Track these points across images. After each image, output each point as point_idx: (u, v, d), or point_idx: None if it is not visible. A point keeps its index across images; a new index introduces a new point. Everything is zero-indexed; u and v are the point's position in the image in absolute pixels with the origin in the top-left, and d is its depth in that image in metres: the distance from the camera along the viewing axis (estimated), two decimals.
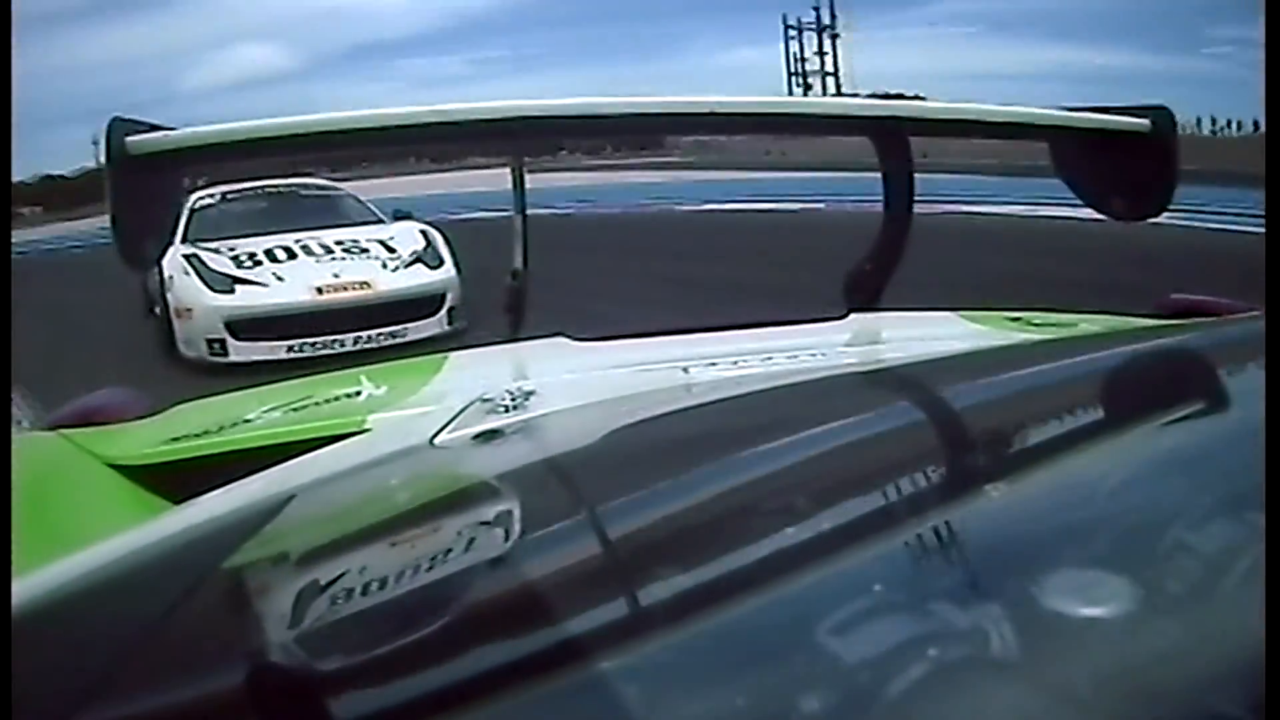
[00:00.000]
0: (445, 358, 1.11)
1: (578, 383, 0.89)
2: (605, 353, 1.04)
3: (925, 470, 0.51)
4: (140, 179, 0.98)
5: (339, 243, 6.09)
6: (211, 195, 6.60)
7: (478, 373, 1.05)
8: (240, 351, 5.40)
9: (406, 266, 6.02)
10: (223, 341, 5.45)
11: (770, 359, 0.89)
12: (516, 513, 0.53)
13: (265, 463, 0.64)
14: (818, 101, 1.21)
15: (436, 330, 5.84)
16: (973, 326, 1.16)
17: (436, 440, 0.67)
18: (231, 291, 5.60)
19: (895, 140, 1.23)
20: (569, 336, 1.11)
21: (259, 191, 6.71)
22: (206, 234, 5.98)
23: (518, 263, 1.18)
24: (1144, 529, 0.37)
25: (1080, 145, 1.25)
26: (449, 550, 0.50)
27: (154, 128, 0.99)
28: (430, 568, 0.47)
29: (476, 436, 0.66)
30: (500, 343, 1.15)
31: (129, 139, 0.95)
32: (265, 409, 0.93)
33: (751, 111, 1.24)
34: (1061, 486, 0.42)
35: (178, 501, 0.65)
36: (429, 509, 0.59)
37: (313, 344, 5.44)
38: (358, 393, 0.95)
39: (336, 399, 0.95)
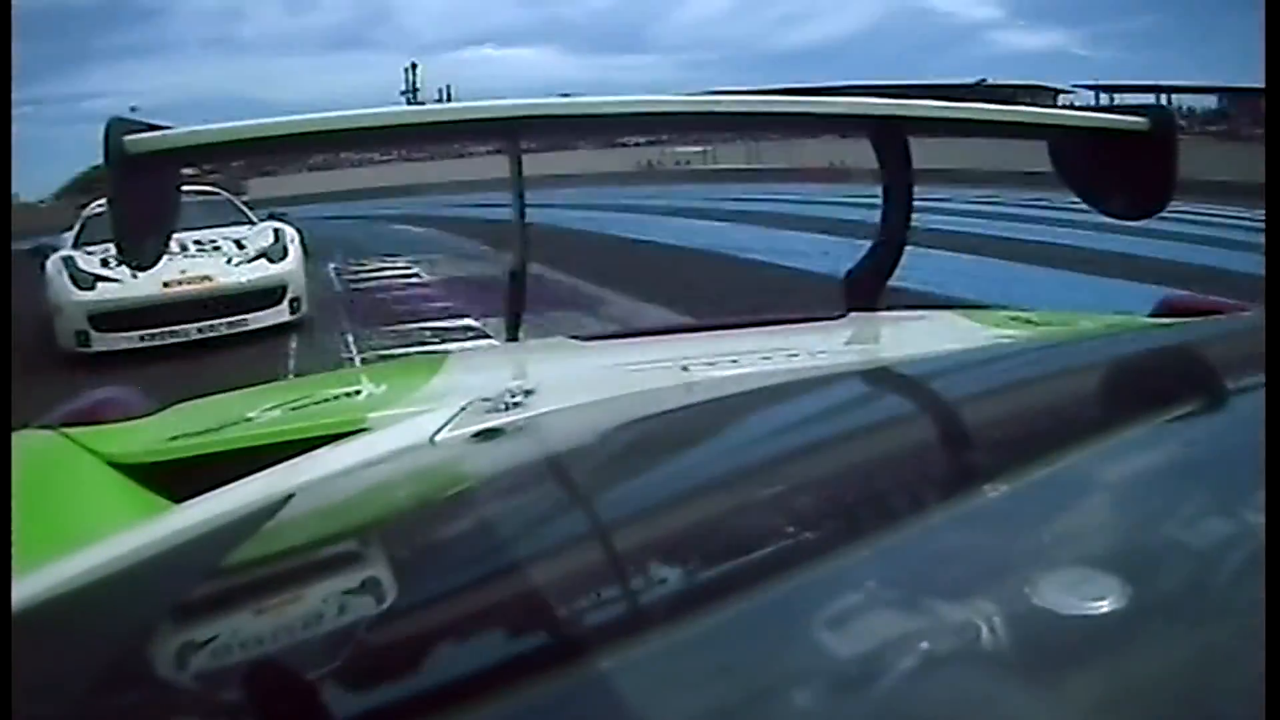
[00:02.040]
0: (445, 358, 1.11)
1: (578, 382, 0.89)
2: (605, 352, 1.04)
3: (925, 469, 0.51)
4: (139, 178, 0.98)
5: (196, 242, 6.76)
6: (103, 204, 7.06)
7: (478, 373, 1.05)
8: (101, 342, 6.24)
9: (250, 262, 6.77)
10: (85, 333, 6.28)
11: (770, 359, 0.89)
12: (516, 512, 0.53)
13: (265, 462, 0.64)
14: (818, 101, 1.21)
15: (280, 319, 6.66)
16: (972, 326, 1.16)
17: (436, 439, 0.67)
18: (93, 288, 6.31)
19: (895, 139, 1.23)
20: (569, 336, 1.11)
21: None
22: (93, 239, 6.57)
23: (516, 264, 1.18)
24: (1143, 528, 0.37)
25: (1080, 144, 1.25)
26: (449, 550, 0.50)
27: (151, 127, 0.99)
28: (430, 567, 0.47)
29: (476, 435, 0.66)
30: (500, 343, 1.15)
31: (127, 138, 0.96)
32: (265, 408, 0.93)
33: (752, 111, 1.25)
34: (1061, 485, 0.42)
35: (178, 501, 0.65)
36: (429, 508, 0.59)
37: (161, 333, 6.32)
38: (358, 392, 0.95)
39: (336, 399, 0.95)
